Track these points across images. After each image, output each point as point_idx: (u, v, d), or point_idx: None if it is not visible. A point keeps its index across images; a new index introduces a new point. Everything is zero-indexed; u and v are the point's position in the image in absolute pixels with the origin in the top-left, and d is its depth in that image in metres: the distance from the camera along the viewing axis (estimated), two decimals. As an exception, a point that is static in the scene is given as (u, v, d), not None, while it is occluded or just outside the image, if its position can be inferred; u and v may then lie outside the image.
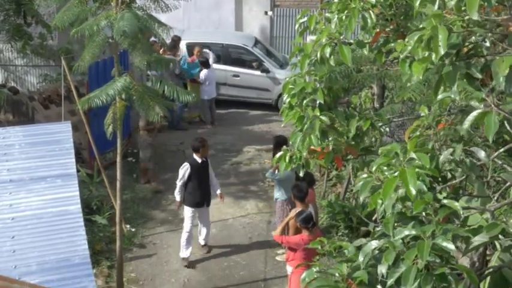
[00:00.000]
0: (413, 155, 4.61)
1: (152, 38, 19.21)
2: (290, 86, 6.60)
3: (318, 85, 6.62)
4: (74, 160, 9.34)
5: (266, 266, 13.64)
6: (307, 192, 12.24)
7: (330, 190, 16.42)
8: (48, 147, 9.62)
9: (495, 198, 4.81)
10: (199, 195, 13.62)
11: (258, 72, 21.66)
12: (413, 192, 4.40)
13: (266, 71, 21.68)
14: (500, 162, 4.96)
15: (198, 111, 21.09)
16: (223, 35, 23.29)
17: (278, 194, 13.78)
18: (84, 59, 11.22)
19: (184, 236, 13.67)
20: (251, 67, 21.73)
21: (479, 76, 4.58)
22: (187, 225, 13.69)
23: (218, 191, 14.02)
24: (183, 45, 21.41)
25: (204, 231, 14.14)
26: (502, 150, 4.86)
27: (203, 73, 20.36)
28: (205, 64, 20.43)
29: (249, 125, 20.80)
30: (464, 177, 4.98)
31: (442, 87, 4.69)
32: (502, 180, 5.03)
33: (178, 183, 13.59)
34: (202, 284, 13.07)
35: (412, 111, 12.18)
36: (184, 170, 13.50)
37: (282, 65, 22.12)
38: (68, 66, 14.26)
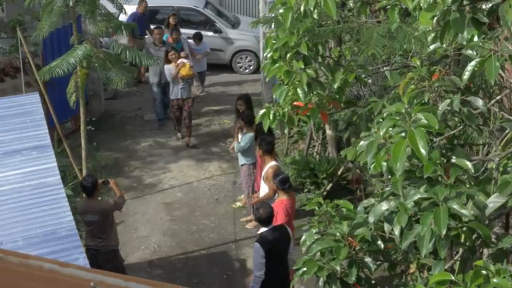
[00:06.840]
0: (419, 116, 4.52)
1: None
2: (273, 41, 6.51)
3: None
4: (47, 131, 9.18)
5: (235, 227, 13.60)
6: (274, 143, 12.22)
7: (292, 147, 16.43)
8: (19, 119, 9.41)
9: (497, 146, 4.80)
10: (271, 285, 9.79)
11: (210, 33, 21.44)
12: (424, 153, 4.33)
13: (218, 31, 21.52)
14: (497, 110, 4.95)
15: None
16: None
17: (243, 160, 13.59)
18: (42, 28, 11.02)
19: None
20: (203, 29, 21.46)
21: (486, 20, 4.53)
22: None
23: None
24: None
25: None
26: (498, 97, 4.86)
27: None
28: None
29: (205, 86, 20.62)
30: (461, 127, 4.96)
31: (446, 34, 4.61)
32: (501, 128, 5.01)
33: (257, 274, 9.66)
34: (172, 249, 12.99)
35: (373, 62, 12.14)
36: (259, 255, 9.56)
37: (234, 25, 22.00)
38: (23, 38, 13.96)
